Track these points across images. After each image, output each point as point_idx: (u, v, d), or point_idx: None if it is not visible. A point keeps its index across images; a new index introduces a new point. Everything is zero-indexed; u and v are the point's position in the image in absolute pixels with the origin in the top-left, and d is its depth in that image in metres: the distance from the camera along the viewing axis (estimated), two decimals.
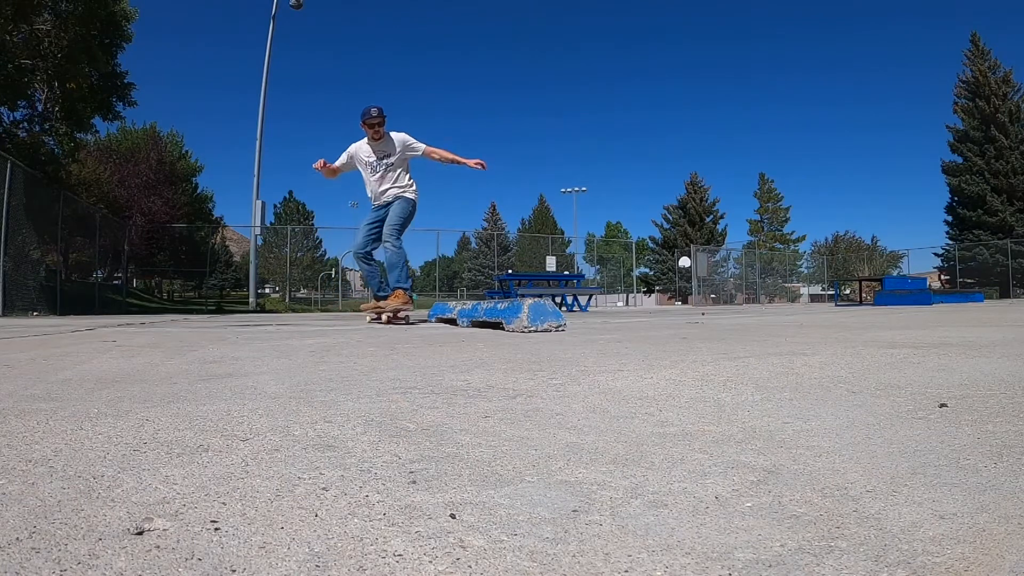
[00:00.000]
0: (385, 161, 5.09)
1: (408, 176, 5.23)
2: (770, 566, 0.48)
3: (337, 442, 0.91)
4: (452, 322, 5.02)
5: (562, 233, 43.47)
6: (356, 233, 5.32)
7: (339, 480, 0.72)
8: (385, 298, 5.19)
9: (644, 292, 36.36)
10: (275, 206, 45.48)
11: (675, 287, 32.83)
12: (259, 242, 20.35)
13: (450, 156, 5.10)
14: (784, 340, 2.71)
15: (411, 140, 5.11)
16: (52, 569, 0.48)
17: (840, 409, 1.12)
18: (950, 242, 30.84)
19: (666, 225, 40.44)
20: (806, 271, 36.08)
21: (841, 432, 0.94)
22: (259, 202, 17.94)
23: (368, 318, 5.63)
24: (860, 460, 0.78)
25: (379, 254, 5.32)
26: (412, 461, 0.80)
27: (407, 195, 5.18)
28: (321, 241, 43.59)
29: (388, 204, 5.14)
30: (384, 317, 5.14)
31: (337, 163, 5.26)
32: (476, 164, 5.08)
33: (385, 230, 5.07)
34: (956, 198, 31.26)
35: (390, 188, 5.14)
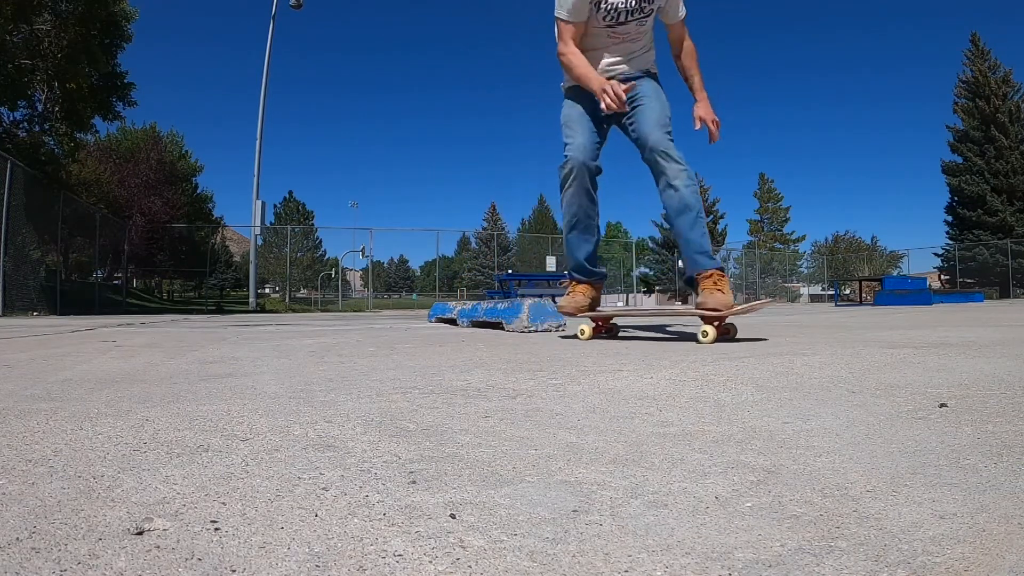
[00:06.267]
0: (642, 10, 2.83)
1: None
2: (770, 566, 0.48)
3: (337, 442, 0.91)
4: (452, 322, 5.03)
5: (562, 233, 43.46)
6: (571, 135, 2.92)
7: (339, 480, 0.72)
8: (589, 282, 3.11)
9: (644, 292, 36.35)
10: (275, 206, 45.64)
11: (675, 287, 32.82)
12: (259, 242, 20.38)
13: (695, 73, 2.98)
14: (784, 340, 2.71)
15: None
16: (52, 569, 0.48)
17: (840, 409, 1.12)
18: (950, 242, 30.88)
19: (666, 225, 40.45)
20: (806, 271, 36.15)
21: (841, 432, 0.94)
22: (259, 202, 17.96)
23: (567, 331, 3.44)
24: (860, 460, 0.78)
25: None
26: (412, 461, 0.80)
27: (655, 72, 3.03)
28: (321, 241, 43.78)
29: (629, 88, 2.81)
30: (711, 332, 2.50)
31: None
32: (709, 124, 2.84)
33: (653, 138, 2.71)
34: (956, 198, 31.30)
35: (634, 56, 2.94)
